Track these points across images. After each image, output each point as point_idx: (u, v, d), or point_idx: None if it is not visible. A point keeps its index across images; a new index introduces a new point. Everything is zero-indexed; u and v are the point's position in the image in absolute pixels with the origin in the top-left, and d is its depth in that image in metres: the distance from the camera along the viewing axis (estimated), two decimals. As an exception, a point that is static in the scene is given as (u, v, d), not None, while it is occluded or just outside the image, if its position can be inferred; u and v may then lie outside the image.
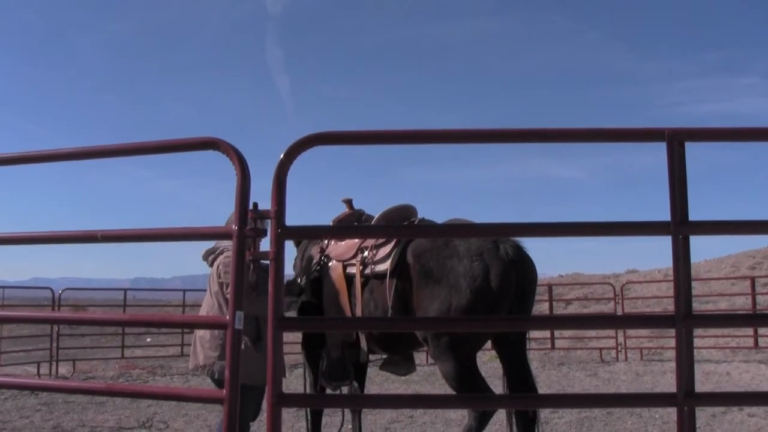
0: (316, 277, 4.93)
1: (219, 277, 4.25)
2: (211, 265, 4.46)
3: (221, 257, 4.33)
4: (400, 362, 5.20)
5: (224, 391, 2.51)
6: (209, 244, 4.50)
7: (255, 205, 2.61)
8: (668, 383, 9.98)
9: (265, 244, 2.65)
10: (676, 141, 2.43)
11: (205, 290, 4.50)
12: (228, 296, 4.08)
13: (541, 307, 15.81)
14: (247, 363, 3.27)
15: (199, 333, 4.31)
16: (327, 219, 5.17)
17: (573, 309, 18.96)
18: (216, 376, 4.16)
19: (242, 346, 3.69)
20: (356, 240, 4.84)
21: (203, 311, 4.43)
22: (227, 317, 2.59)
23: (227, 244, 4.37)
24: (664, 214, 2.46)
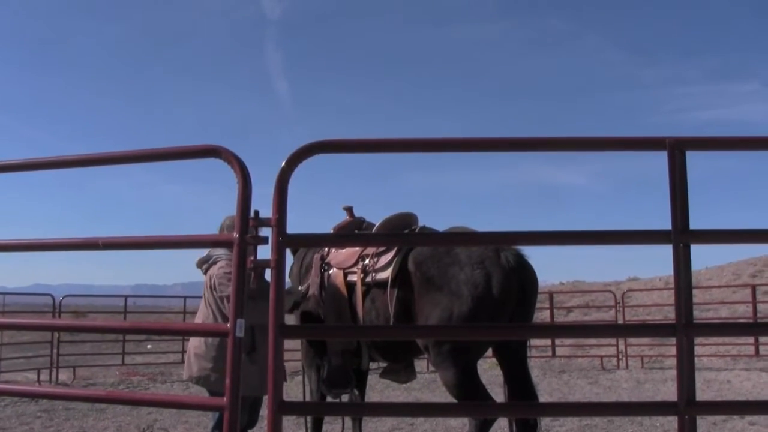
0: (317, 285, 4.93)
1: (214, 289, 4.16)
2: (205, 273, 4.39)
3: (215, 268, 4.25)
4: (401, 370, 5.19)
5: (224, 399, 2.51)
6: (206, 252, 4.42)
7: (256, 213, 2.61)
8: (669, 391, 9.95)
9: (264, 252, 2.65)
10: (677, 150, 2.44)
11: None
12: (223, 308, 4.04)
13: (542, 315, 15.77)
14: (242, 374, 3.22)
15: (194, 344, 4.23)
16: (326, 227, 5.17)
17: (574, 317, 18.90)
18: (211, 387, 4.12)
19: None
20: (357, 248, 4.84)
21: (199, 320, 4.35)
22: (227, 325, 2.59)
23: (220, 252, 4.30)
24: (664, 221, 2.46)
